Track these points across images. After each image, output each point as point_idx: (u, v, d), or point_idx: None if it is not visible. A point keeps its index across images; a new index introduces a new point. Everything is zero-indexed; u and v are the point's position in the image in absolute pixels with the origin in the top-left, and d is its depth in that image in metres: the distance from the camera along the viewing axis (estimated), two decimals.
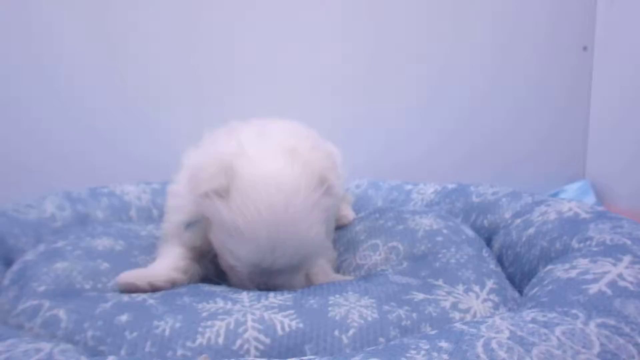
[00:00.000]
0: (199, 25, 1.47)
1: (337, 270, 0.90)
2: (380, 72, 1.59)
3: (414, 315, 0.63)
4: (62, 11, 1.40)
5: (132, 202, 1.19)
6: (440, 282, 0.73)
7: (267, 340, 0.55)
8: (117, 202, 1.18)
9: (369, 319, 0.60)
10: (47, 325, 0.58)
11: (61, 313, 0.59)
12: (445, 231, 0.89)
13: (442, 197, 1.18)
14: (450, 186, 1.20)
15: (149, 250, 0.84)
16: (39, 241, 0.93)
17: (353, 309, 0.62)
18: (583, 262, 0.63)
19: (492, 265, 0.83)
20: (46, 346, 0.48)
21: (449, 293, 0.69)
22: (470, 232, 0.93)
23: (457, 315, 0.64)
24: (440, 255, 0.81)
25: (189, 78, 1.49)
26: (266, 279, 0.70)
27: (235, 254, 0.66)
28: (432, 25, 1.59)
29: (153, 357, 0.53)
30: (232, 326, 0.56)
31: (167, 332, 0.55)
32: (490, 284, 0.73)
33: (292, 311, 0.60)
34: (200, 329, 0.55)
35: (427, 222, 0.93)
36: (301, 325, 0.58)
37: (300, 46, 1.53)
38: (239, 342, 0.55)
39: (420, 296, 0.68)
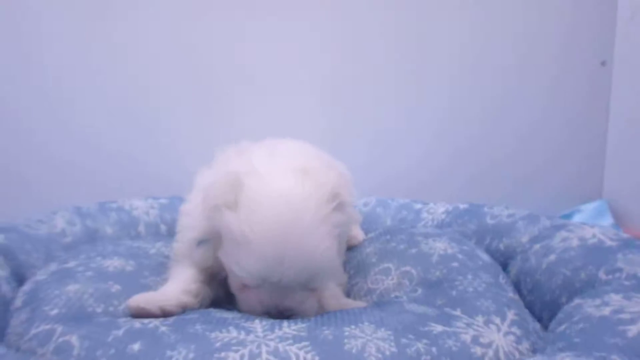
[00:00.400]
0: (201, 37, 1.47)
1: (348, 294, 0.89)
2: (390, 89, 1.58)
3: (434, 349, 0.61)
4: (62, 25, 1.40)
5: (141, 217, 1.18)
6: (458, 312, 0.71)
7: None
8: (126, 217, 1.17)
9: (387, 353, 0.59)
10: (60, 351, 0.57)
11: (74, 339, 0.58)
12: (460, 256, 0.88)
13: (454, 217, 1.16)
14: (462, 206, 1.18)
15: (159, 270, 0.82)
16: (49, 256, 0.92)
17: (370, 341, 0.60)
18: (616, 299, 0.61)
19: (511, 293, 0.80)
20: None
21: (468, 325, 0.67)
22: (486, 257, 0.91)
23: (478, 350, 0.62)
24: (457, 283, 0.79)
25: (194, 92, 1.49)
26: (276, 300, 0.68)
27: (243, 265, 0.65)
28: (446, 42, 1.58)
29: None
30: (246, 358, 0.54)
31: None
32: (511, 314, 0.71)
33: (307, 343, 0.58)
34: None
35: (441, 246, 0.91)
36: (317, 358, 0.56)
37: (309, 62, 1.52)
38: None
39: (439, 328, 0.66)
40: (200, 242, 0.76)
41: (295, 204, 0.66)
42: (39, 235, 0.98)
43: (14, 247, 0.91)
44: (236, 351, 0.55)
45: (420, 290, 0.80)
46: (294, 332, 0.60)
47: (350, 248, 1.06)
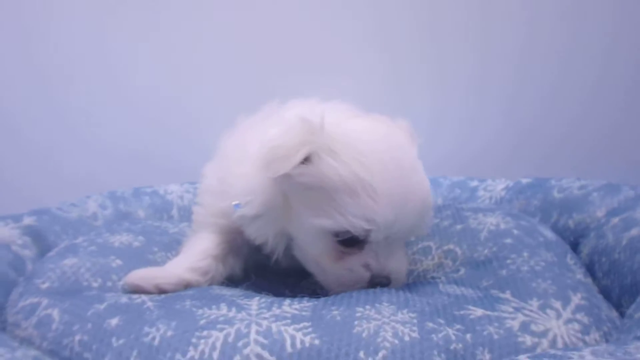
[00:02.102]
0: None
1: None
2: (456, 68, 1.43)
3: (468, 337, 0.48)
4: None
5: (175, 201, 1.15)
6: (507, 294, 0.58)
7: (272, 359, 0.44)
8: (159, 201, 1.14)
9: (406, 338, 0.47)
10: (40, 325, 0.52)
11: (55, 313, 0.52)
12: (515, 232, 0.73)
13: (515, 193, 1.01)
14: (525, 181, 1.02)
15: (171, 247, 0.77)
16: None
17: (386, 324, 0.49)
18: None
19: (580, 275, 0.66)
20: None
21: (517, 309, 0.54)
22: (549, 234, 0.76)
23: (528, 339, 0.49)
24: (508, 262, 0.66)
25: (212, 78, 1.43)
26: (383, 261, 0.60)
27: (369, 214, 0.56)
28: (508, 27, 1.41)
29: None
30: (231, 338, 0.46)
31: (156, 341, 0.46)
32: (576, 299, 0.57)
33: (308, 323, 0.48)
34: (194, 340, 0.46)
35: (492, 221, 0.77)
36: (317, 341, 0.46)
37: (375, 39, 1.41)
38: (236, 358, 0.44)
39: (479, 312, 0.53)
40: (258, 217, 0.65)
41: (400, 143, 0.62)
42: (69, 218, 0.96)
43: (44, 228, 0.89)
44: (221, 330, 0.47)
45: (463, 270, 0.67)
46: (295, 312, 0.51)
47: None
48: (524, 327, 0.50)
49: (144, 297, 0.55)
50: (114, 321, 0.49)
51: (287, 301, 0.53)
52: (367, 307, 0.52)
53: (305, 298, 0.55)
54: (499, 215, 0.79)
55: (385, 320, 0.50)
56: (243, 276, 0.74)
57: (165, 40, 1.37)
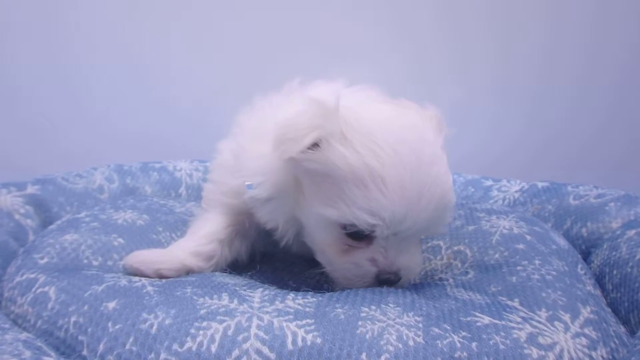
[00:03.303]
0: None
1: None
2: (481, 70, 1.39)
3: (474, 345, 0.47)
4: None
5: (183, 179, 1.13)
6: (515, 303, 0.57)
7: (272, 356, 0.43)
8: (168, 178, 1.13)
9: (411, 343, 0.46)
10: (36, 303, 0.51)
11: (52, 291, 0.51)
12: (528, 237, 0.72)
13: (530, 196, 0.99)
14: (541, 184, 0.99)
15: (176, 227, 0.75)
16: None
17: (391, 327, 0.48)
18: None
19: (590, 286, 0.64)
20: None
21: (525, 319, 0.52)
22: (562, 242, 0.74)
23: (534, 352, 0.47)
24: (519, 268, 0.64)
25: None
26: (392, 257, 0.56)
27: (375, 208, 0.52)
28: (531, 28, 1.37)
29: (130, 358, 0.43)
30: (230, 331, 0.45)
31: (153, 329, 0.45)
32: (586, 312, 0.55)
33: (311, 320, 0.47)
34: (192, 330, 0.45)
35: (505, 224, 0.75)
36: (319, 340, 0.45)
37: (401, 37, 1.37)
38: (235, 352, 0.43)
39: (486, 320, 0.51)
40: (269, 200, 0.62)
41: (422, 133, 0.56)
42: (75, 189, 0.95)
43: (48, 198, 0.89)
44: (221, 322, 0.46)
45: (472, 274, 0.66)
46: (299, 307, 0.49)
47: None
48: (531, 339, 0.49)
49: (144, 280, 0.54)
50: (111, 304, 0.48)
51: (291, 295, 0.52)
52: (373, 307, 0.51)
53: (310, 293, 0.54)
54: (513, 219, 0.77)
55: (390, 323, 0.48)
56: (249, 261, 0.73)
57: (176, 20, 1.34)
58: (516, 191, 1.04)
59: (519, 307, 0.55)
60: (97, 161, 1.10)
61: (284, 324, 0.46)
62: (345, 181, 0.53)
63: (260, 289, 0.53)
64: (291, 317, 0.47)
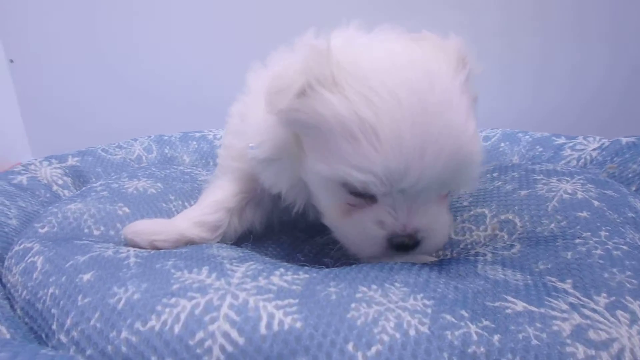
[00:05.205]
0: None
1: None
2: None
3: (495, 338, 0.37)
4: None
5: None
6: (567, 285, 0.45)
7: (240, 341, 0.37)
8: (207, 146, 1.11)
9: (412, 332, 0.37)
10: (25, 273, 0.49)
11: (39, 261, 0.49)
12: (596, 203, 0.58)
13: (611, 154, 0.82)
14: (626, 140, 0.82)
15: (191, 195, 0.71)
16: None
17: (390, 311, 0.39)
18: None
19: None
20: None
21: (575, 307, 0.41)
22: None
23: (580, 351, 0.37)
24: (578, 241, 0.52)
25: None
26: (404, 217, 0.47)
27: (364, 166, 0.44)
28: None
29: (92, 335, 0.39)
30: (198, 310, 0.39)
31: (120, 304, 0.41)
32: None
33: (294, 300, 0.40)
34: (159, 307, 0.40)
35: (567, 188, 0.62)
36: (299, 324, 0.38)
37: None
38: (199, 335, 0.37)
39: (519, 306, 0.41)
40: (271, 161, 0.57)
41: (428, 71, 0.46)
42: (113, 160, 0.96)
43: (86, 169, 0.90)
44: (191, 298, 0.40)
45: (517, 247, 0.55)
46: (284, 284, 0.43)
47: None
48: (578, 333, 0.38)
49: (132, 251, 0.50)
50: (86, 276, 0.44)
51: (280, 270, 0.45)
52: (374, 286, 0.42)
53: (305, 268, 0.47)
54: (579, 180, 0.64)
55: (390, 307, 0.40)
56: (264, 232, 0.67)
57: None
58: (594, 149, 0.87)
59: (571, 291, 0.44)
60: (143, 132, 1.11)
61: (261, 304, 0.39)
62: (333, 134, 0.44)
63: (250, 262, 0.47)
64: (272, 295, 0.41)
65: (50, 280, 0.46)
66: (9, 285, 0.51)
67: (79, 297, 0.43)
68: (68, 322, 0.41)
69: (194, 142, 1.08)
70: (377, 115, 0.43)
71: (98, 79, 1.40)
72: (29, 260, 0.50)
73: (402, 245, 0.48)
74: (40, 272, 0.48)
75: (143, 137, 1.07)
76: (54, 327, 0.42)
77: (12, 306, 0.49)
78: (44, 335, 0.43)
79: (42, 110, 1.42)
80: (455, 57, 0.48)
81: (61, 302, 0.43)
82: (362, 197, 0.48)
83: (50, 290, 0.45)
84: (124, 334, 0.38)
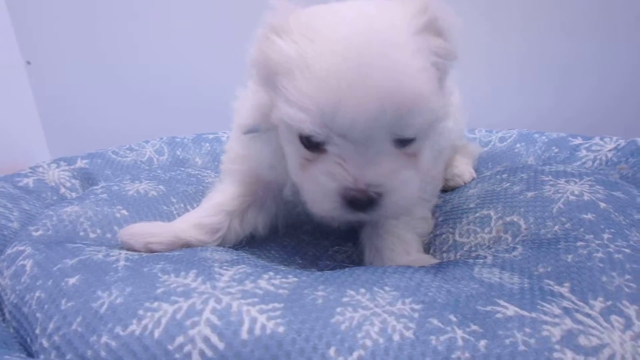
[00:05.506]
0: None
1: (427, 248, 0.65)
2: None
3: (482, 344, 0.36)
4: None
5: None
6: (564, 288, 0.43)
7: (220, 345, 0.36)
8: (220, 148, 1.10)
9: (395, 337, 0.36)
10: (14, 276, 0.49)
11: (28, 265, 0.50)
12: (602, 205, 0.56)
13: (626, 155, 0.80)
14: None
15: (194, 198, 0.71)
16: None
17: (375, 315, 0.38)
18: None
19: None
20: None
21: (568, 312, 0.39)
22: None
23: (569, 356, 0.35)
24: (580, 244, 0.50)
25: None
26: (355, 169, 0.45)
27: (301, 100, 0.44)
28: None
29: (73, 340, 0.39)
30: (180, 314, 0.39)
31: (103, 308, 0.41)
32: None
33: (279, 305, 0.39)
34: (140, 311, 0.39)
35: (574, 190, 0.60)
36: (281, 329, 0.37)
37: None
38: (179, 339, 0.37)
39: (510, 310, 0.40)
40: (250, 131, 0.58)
41: (375, 17, 0.47)
42: (123, 162, 0.96)
43: (95, 172, 0.90)
44: (173, 303, 0.40)
45: (520, 250, 0.53)
46: (270, 288, 0.42)
47: (452, 190, 0.80)
48: (568, 339, 0.36)
49: (123, 254, 0.50)
50: (72, 280, 0.45)
51: (269, 274, 0.44)
52: (362, 290, 0.41)
53: (295, 272, 0.46)
54: (587, 182, 0.62)
55: (377, 311, 0.39)
56: (266, 235, 0.67)
57: None
58: (610, 150, 0.85)
59: (567, 295, 0.42)
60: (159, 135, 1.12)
61: (244, 308, 0.39)
62: (278, 74, 0.46)
63: (240, 266, 0.46)
64: (256, 300, 0.40)
65: (37, 283, 0.46)
66: (0, 287, 0.51)
67: (63, 301, 0.43)
68: (50, 326, 0.41)
69: (207, 144, 1.08)
70: (315, 51, 0.44)
71: (114, 81, 1.41)
72: (20, 263, 0.50)
73: (356, 202, 0.46)
74: (29, 275, 0.48)
75: (155, 139, 1.07)
76: (37, 331, 0.42)
77: (1, 310, 0.50)
78: (28, 340, 0.43)
79: (59, 112, 1.45)
80: (415, 8, 0.47)
81: (45, 306, 0.43)
82: (314, 149, 0.47)
83: (37, 294, 0.45)
84: (104, 339, 0.38)
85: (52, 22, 1.37)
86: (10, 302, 0.47)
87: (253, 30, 0.51)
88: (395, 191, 0.47)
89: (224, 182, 0.66)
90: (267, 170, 0.59)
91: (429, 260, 0.59)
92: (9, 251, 0.54)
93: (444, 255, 0.62)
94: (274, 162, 0.56)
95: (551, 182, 0.64)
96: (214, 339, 0.37)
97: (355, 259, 0.69)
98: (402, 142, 0.47)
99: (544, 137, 1.00)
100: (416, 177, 0.49)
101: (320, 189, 0.47)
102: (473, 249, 0.60)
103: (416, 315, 0.38)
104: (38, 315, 0.43)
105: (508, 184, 0.68)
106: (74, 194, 0.83)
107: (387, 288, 0.42)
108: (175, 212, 0.67)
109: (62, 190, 0.82)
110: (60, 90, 1.43)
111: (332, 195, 0.46)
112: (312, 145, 0.47)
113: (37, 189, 0.75)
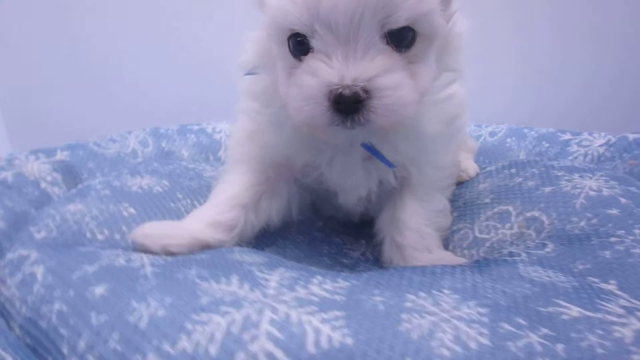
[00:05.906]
0: None
1: (447, 245, 0.64)
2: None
3: (559, 348, 0.35)
4: None
5: (223, 141, 1.04)
6: (612, 286, 0.43)
7: None
8: (206, 140, 1.05)
9: (472, 345, 0.34)
10: (23, 285, 0.44)
11: (40, 272, 0.44)
12: (623, 201, 0.57)
13: (618, 151, 0.82)
14: (633, 136, 0.82)
15: (200, 193, 0.67)
16: None
17: (445, 322, 0.36)
18: None
19: None
20: None
21: (630, 311, 0.39)
22: None
23: None
24: (613, 240, 0.50)
25: None
26: (342, 65, 0.42)
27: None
28: None
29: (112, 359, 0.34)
30: (236, 328, 0.35)
31: (143, 322, 0.36)
32: None
33: (340, 313, 0.37)
34: (188, 325, 0.35)
35: (592, 185, 0.60)
36: (349, 340, 0.34)
37: None
38: (239, 356, 0.33)
39: (574, 311, 0.39)
40: (250, 72, 0.55)
41: None
42: (106, 154, 0.89)
43: (77, 165, 0.83)
44: (224, 314, 0.36)
45: (551, 247, 0.53)
46: (325, 294, 0.39)
47: (458, 184, 0.80)
48: None
49: (145, 258, 0.45)
50: (99, 290, 0.40)
51: (318, 278, 0.41)
52: (422, 294, 0.39)
53: (342, 274, 0.43)
54: (602, 177, 0.62)
55: (445, 316, 0.37)
56: (281, 231, 0.63)
57: None
58: (600, 145, 0.87)
59: (618, 293, 0.42)
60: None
61: (305, 318, 0.36)
62: None
63: (281, 269, 0.43)
64: (315, 308, 0.37)
65: (55, 294, 0.41)
66: (2, 299, 0.45)
67: (92, 315, 0.38)
68: (81, 344, 0.36)
69: (192, 136, 1.02)
70: None
71: (84, 74, 1.32)
72: (28, 271, 0.45)
73: (342, 101, 0.42)
74: (42, 284, 0.42)
75: (138, 130, 1.00)
76: (64, 350, 0.37)
77: (7, 323, 0.44)
78: (51, 359, 0.38)
79: (22, 105, 1.34)
80: None
81: (71, 321, 0.38)
82: (299, 54, 0.46)
83: (57, 307, 0.40)
84: (150, 358, 0.34)
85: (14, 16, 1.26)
86: (22, 316, 0.41)
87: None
88: (385, 90, 0.43)
89: (233, 172, 0.61)
90: (279, 146, 0.55)
91: (454, 258, 0.58)
92: (9, 256, 0.47)
93: (466, 252, 0.62)
94: (285, 135, 0.53)
95: (566, 178, 0.64)
96: (279, 354, 0.33)
97: (370, 257, 0.67)
98: (397, 40, 0.44)
99: (533, 132, 1.02)
100: (411, 84, 0.45)
101: (303, 91, 0.44)
102: (496, 244, 0.60)
103: (486, 319, 0.37)
104: (62, 331, 0.38)
105: (520, 179, 0.68)
106: (56, 189, 0.75)
107: (445, 291, 0.40)
108: (182, 209, 0.62)
109: (43, 184, 0.75)
110: (24, 80, 1.32)
111: (316, 97, 0.43)
112: (299, 51, 0.45)
113: (18, 184, 0.67)
